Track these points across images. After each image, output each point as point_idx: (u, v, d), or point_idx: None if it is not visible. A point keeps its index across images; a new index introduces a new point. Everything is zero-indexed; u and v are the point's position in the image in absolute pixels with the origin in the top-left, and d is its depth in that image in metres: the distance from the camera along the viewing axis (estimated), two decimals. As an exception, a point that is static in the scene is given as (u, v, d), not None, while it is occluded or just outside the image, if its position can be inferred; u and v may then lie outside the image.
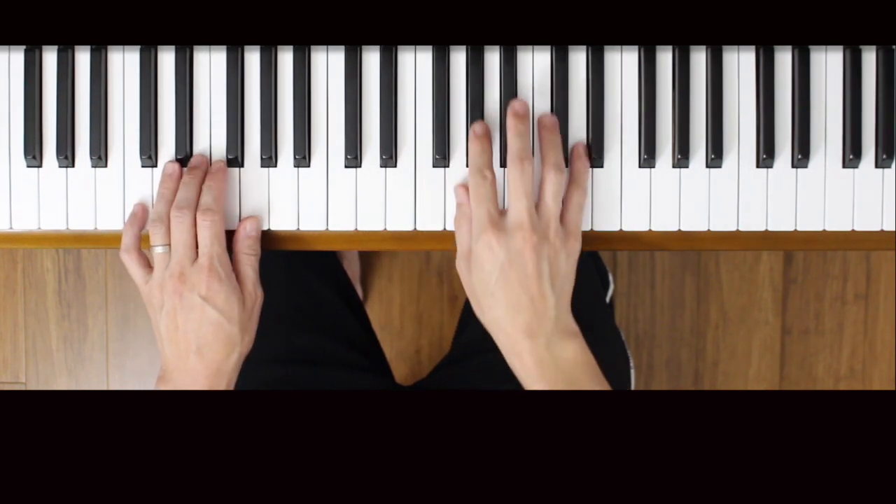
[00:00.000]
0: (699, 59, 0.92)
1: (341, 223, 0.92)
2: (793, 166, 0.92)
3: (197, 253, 0.88)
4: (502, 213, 0.87)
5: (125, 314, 1.73)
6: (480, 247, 0.86)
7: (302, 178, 0.92)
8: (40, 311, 1.73)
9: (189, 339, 0.88)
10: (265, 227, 0.92)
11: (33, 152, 0.91)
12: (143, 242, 0.91)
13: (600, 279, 1.26)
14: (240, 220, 0.91)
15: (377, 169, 0.92)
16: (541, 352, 0.85)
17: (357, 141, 0.91)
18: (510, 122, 0.89)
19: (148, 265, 0.90)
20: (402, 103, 0.92)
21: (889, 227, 0.92)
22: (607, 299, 1.27)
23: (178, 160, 0.91)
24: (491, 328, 0.88)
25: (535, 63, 0.92)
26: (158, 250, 0.89)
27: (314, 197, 0.92)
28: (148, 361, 1.74)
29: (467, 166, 0.91)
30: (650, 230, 0.92)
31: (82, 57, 0.92)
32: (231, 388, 0.91)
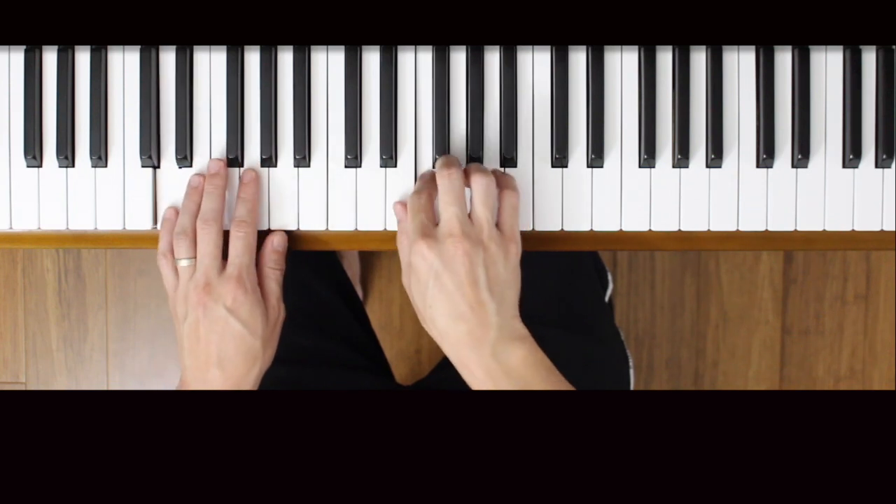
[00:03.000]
0: (699, 59, 0.92)
1: (341, 223, 0.92)
2: (793, 166, 0.92)
3: (223, 264, 0.89)
4: (437, 222, 0.87)
5: (125, 314, 1.73)
6: (415, 257, 0.85)
7: (302, 178, 0.92)
8: (40, 311, 1.73)
9: (210, 352, 0.88)
10: (265, 227, 0.92)
11: (33, 152, 0.91)
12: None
13: (600, 279, 1.26)
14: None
15: (377, 169, 0.92)
16: (487, 361, 0.84)
17: (357, 141, 0.91)
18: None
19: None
20: (402, 103, 0.92)
21: (889, 227, 0.92)
22: (607, 299, 1.27)
23: (180, 159, 0.92)
24: (437, 340, 0.87)
25: (535, 63, 0.92)
26: (183, 263, 0.89)
27: (314, 197, 0.92)
28: (148, 361, 1.74)
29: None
30: (650, 230, 0.92)
31: (82, 57, 0.91)
32: None
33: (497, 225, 0.87)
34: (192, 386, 0.89)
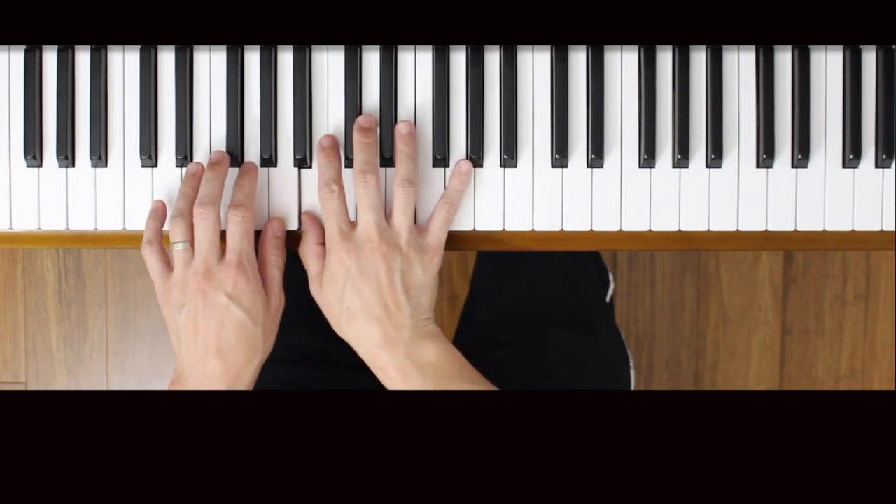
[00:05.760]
0: (699, 59, 0.92)
1: (341, 223, 0.92)
2: (793, 166, 0.92)
3: (222, 250, 0.87)
4: (354, 225, 0.87)
5: (125, 314, 1.73)
6: (332, 261, 0.87)
7: (303, 178, 0.92)
8: (40, 311, 1.73)
9: (210, 341, 0.86)
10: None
11: (33, 152, 0.91)
12: (165, 240, 0.90)
13: (600, 279, 1.26)
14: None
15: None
16: (401, 361, 0.86)
17: (357, 141, 0.91)
18: (355, 137, 0.89)
19: (168, 262, 0.88)
20: (402, 103, 0.92)
21: (889, 227, 0.92)
22: (607, 299, 1.27)
23: (179, 158, 0.92)
24: (351, 342, 0.88)
25: (535, 63, 0.92)
26: (178, 247, 0.87)
27: (315, 197, 0.92)
28: (148, 361, 1.74)
29: (467, 166, 0.91)
30: (650, 230, 0.92)
31: (82, 57, 0.92)
32: None
33: (426, 233, 0.88)
34: (190, 378, 0.87)
